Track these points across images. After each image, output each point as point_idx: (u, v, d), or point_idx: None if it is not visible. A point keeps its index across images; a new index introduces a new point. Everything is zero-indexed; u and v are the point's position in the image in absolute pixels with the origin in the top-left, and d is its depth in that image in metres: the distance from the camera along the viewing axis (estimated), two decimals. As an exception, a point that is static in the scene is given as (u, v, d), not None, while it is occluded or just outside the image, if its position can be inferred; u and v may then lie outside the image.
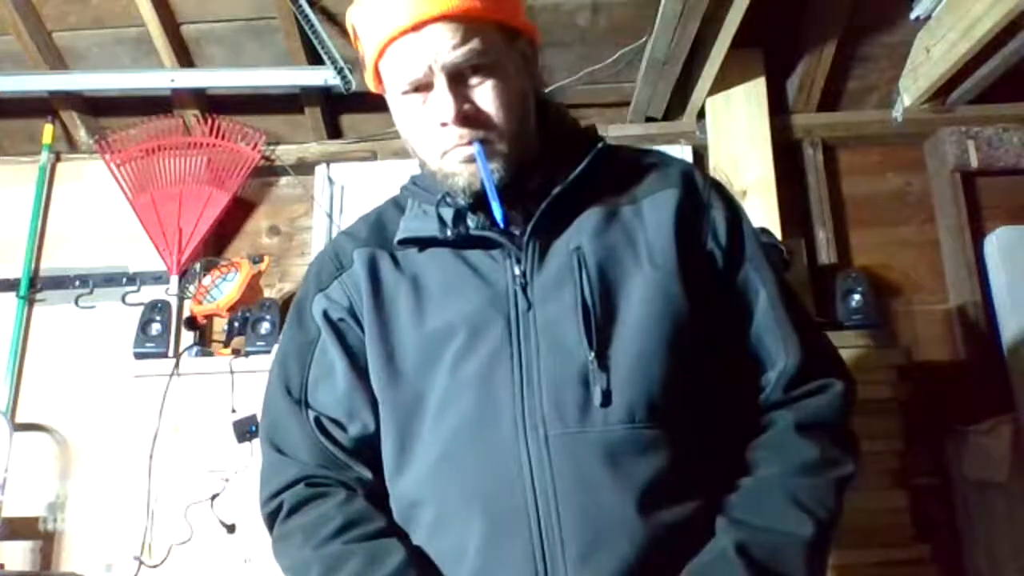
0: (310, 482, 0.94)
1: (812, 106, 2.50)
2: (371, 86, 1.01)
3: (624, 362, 0.88)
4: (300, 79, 2.38)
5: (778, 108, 2.48)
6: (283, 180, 2.61)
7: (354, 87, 2.32)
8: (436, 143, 0.94)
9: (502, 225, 0.93)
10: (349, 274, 1.02)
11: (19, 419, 2.33)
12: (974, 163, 2.45)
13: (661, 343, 0.90)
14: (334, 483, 0.95)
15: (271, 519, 0.96)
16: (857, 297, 2.13)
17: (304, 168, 2.56)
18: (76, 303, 2.44)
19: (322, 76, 2.32)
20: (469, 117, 0.91)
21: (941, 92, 2.43)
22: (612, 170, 1.01)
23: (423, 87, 0.92)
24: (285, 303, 2.25)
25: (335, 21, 2.27)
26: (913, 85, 2.43)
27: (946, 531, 2.18)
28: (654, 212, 0.97)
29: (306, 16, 2.19)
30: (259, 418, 1.04)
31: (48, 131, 2.56)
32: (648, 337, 0.90)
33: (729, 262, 0.99)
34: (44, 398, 2.37)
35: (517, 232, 0.96)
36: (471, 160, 0.92)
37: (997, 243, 2.35)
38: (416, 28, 0.90)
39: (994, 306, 2.33)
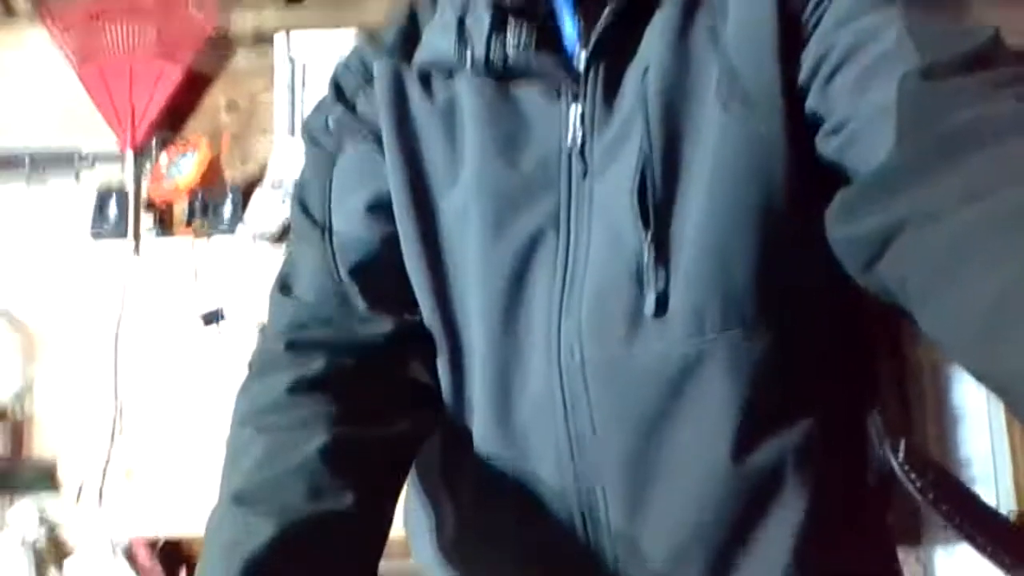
0: (290, 342, 0.70)
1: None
2: None
3: (688, 249, 0.61)
4: (254, -60, 2.21)
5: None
6: (240, 52, 2.46)
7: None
8: None
9: (571, 48, 0.64)
10: (375, 92, 0.74)
11: (-24, 302, 2.28)
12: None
13: (742, 213, 0.61)
14: (315, 346, 0.70)
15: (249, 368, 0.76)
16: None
17: (262, 38, 2.42)
18: (27, 182, 2.34)
19: (278, -63, 2.15)
20: None
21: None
22: None
23: None
24: (247, 185, 2.17)
25: None
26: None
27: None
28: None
29: None
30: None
31: (-19, -6, 2.37)
32: (722, 208, 0.61)
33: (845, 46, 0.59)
34: None
35: (574, 55, 0.65)
36: None
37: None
38: None
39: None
